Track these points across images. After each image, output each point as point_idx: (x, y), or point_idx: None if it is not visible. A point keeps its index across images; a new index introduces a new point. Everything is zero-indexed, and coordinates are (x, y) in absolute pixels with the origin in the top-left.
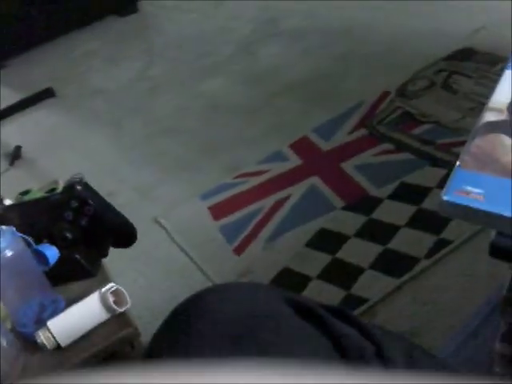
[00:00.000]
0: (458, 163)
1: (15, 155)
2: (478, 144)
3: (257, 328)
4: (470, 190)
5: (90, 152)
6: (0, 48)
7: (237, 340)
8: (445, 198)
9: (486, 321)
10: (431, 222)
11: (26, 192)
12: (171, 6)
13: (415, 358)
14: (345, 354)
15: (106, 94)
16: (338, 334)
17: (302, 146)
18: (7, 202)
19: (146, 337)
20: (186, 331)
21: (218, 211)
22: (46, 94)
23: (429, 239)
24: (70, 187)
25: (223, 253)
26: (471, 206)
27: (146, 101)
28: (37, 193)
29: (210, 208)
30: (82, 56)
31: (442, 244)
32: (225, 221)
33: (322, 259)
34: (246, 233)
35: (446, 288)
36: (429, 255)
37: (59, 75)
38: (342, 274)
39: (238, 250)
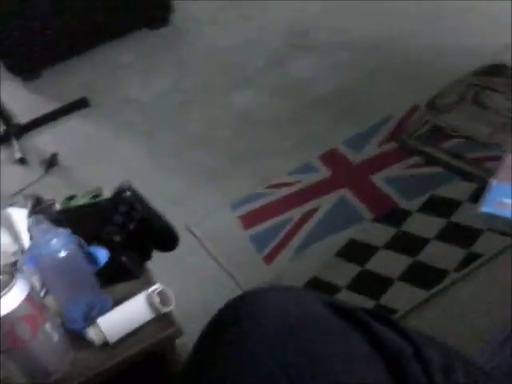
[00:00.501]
0: (494, 176)
1: (51, 163)
2: None
3: (300, 329)
4: (505, 201)
5: (123, 161)
6: (36, 58)
7: (281, 340)
8: (482, 209)
9: None
10: (461, 235)
11: (71, 197)
12: (202, 19)
13: (453, 361)
14: (384, 354)
15: (139, 105)
16: (377, 335)
17: (331, 158)
18: (57, 206)
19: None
20: (234, 331)
21: (248, 220)
22: (81, 104)
23: (459, 252)
24: (119, 193)
25: (253, 261)
26: (507, 216)
27: (178, 112)
28: (81, 199)
29: (240, 217)
30: (116, 67)
31: (472, 257)
32: (255, 230)
33: (351, 270)
34: (275, 242)
35: (476, 301)
36: (459, 268)
37: (93, 86)
38: (371, 284)
39: (268, 259)
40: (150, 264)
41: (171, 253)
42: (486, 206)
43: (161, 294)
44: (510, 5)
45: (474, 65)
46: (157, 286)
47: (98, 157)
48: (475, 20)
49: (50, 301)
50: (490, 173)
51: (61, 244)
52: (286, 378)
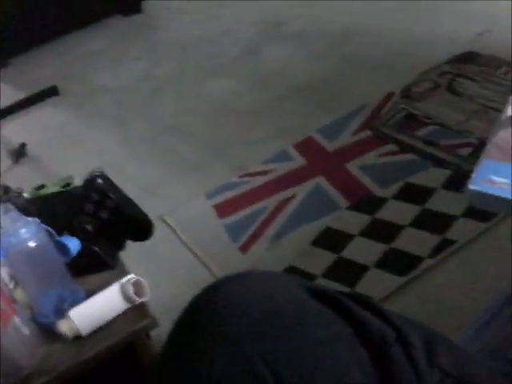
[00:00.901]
0: (483, 154)
1: (20, 153)
2: (503, 136)
3: (280, 314)
4: (495, 179)
5: (96, 150)
6: (5, 46)
7: (262, 327)
8: (471, 187)
9: (500, 310)
10: (435, 222)
11: (41, 187)
12: (175, 7)
13: (436, 345)
14: (366, 339)
15: (110, 93)
16: (359, 319)
17: (306, 147)
18: (25, 195)
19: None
20: (212, 318)
21: (223, 210)
22: (51, 92)
23: (433, 239)
24: (91, 181)
25: (228, 251)
26: (497, 194)
27: (152, 100)
28: (52, 187)
29: (215, 206)
30: (87, 55)
31: (446, 244)
32: (230, 219)
33: (326, 257)
34: (251, 231)
35: (450, 287)
36: (433, 254)
37: (64, 73)
38: (346, 272)
39: (243, 249)
40: (122, 254)
41: (144, 243)
42: (474, 184)
43: (135, 284)
44: None
45: (448, 53)
46: (131, 276)
47: (69, 146)
48: (449, 9)
49: (20, 293)
50: (464, 159)
51: (30, 234)
52: (269, 369)
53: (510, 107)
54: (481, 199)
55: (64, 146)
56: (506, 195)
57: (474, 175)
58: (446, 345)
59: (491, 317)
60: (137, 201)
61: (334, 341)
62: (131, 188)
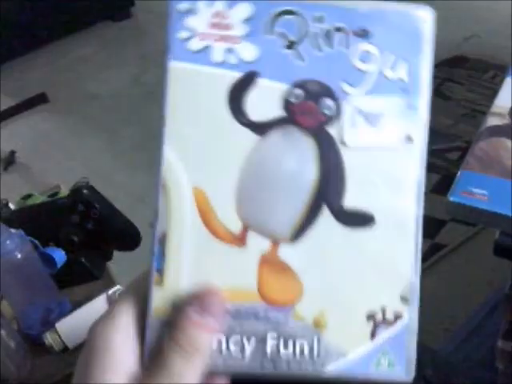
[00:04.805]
0: (462, 165)
1: (9, 161)
2: (482, 147)
3: None
4: (474, 190)
5: (85, 157)
6: None
7: None
8: (450, 198)
9: (486, 319)
10: (425, 226)
11: (28, 196)
12: (165, 13)
13: (421, 355)
14: None
15: (100, 100)
16: None
17: None
18: (11, 206)
19: None
20: None
21: None
22: (40, 99)
23: (423, 243)
24: (76, 191)
25: None
26: (476, 206)
27: (141, 106)
28: (39, 197)
29: None
30: (76, 61)
31: (436, 248)
32: None
33: None
34: None
35: (440, 291)
36: (423, 259)
37: (52, 80)
38: None
39: None
40: (109, 264)
41: (134, 252)
42: (454, 196)
43: None
44: None
45: (436, 57)
46: (117, 287)
47: (58, 154)
48: (437, 14)
49: (5, 306)
50: (453, 163)
51: (14, 245)
52: None
53: (489, 117)
54: (460, 210)
55: (53, 154)
56: (485, 207)
57: (453, 186)
58: (431, 355)
59: (475, 328)
60: (126, 208)
61: None
62: (120, 195)
